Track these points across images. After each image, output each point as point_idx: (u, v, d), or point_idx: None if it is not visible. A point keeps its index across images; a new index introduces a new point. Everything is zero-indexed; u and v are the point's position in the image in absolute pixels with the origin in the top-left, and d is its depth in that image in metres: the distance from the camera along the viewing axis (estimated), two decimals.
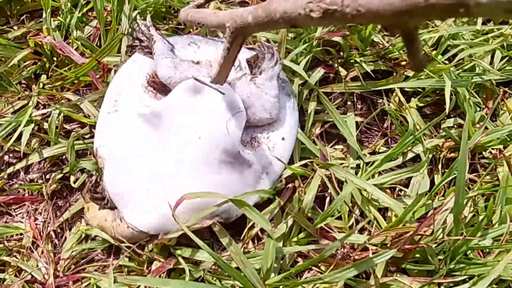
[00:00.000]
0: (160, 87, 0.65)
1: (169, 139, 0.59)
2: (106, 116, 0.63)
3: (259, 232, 0.62)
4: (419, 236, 0.57)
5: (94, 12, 0.77)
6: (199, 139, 0.58)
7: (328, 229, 0.62)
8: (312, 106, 0.68)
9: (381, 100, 0.73)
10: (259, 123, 0.64)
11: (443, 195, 0.64)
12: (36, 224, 0.63)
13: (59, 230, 0.64)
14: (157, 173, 0.58)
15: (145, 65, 0.66)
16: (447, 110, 0.63)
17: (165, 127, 0.59)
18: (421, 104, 0.73)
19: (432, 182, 0.66)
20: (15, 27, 0.78)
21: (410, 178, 0.66)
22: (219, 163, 0.59)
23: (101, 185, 0.61)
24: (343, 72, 0.71)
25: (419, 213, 0.61)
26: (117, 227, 0.59)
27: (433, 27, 0.75)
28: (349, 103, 0.71)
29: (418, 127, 0.67)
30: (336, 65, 0.71)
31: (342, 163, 0.65)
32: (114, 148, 0.61)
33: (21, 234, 0.63)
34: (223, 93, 0.60)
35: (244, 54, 0.67)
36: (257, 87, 0.63)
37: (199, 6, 0.61)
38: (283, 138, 0.64)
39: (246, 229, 0.61)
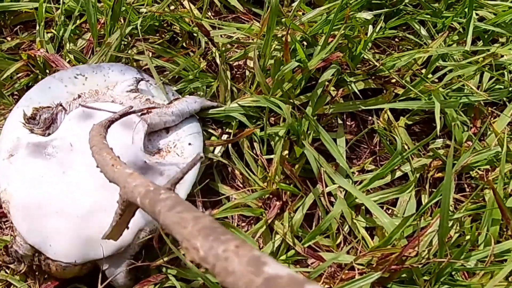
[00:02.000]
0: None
1: (68, 167, 0.59)
2: (2, 163, 0.62)
3: None
4: (405, 257, 0.58)
5: (88, 25, 0.78)
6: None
7: (315, 247, 0.63)
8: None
9: (370, 118, 0.74)
10: (156, 128, 0.66)
11: (431, 215, 0.65)
12: None
13: None
14: (65, 202, 0.58)
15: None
16: (438, 132, 0.64)
17: (61, 156, 0.60)
18: (410, 122, 0.74)
19: (419, 201, 0.67)
20: (8, 38, 0.78)
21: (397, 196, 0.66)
22: None
23: (12, 242, 0.59)
24: (333, 91, 0.71)
25: (406, 232, 0.62)
26: (47, 268, 0.58)
27: (423, 46, 0.76)
28: (339, 121, 0.72)
29: (406, 147, 0.68)
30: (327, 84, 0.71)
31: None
32: (16, 190, 0.59)
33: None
34: (115, 112, 0.60)
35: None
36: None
37: (112, 121, 0.58)
38: (189, 144, 0.66)
39: None
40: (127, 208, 0.46)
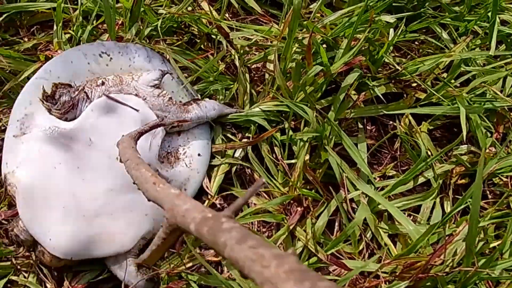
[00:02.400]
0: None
1: (83, 163, 0.57)
2: (13, 139, 0.59)
3: None
4: (430, 265, 0.57)
5: (105, 25, 0.77)
6: (113, 161, 0.57)
7: (337, 254, 0.62)
8: None
9: (391, 122, 0.73)
10: (171, 131, 0.65)
11: (454, 222, 0.64)
12: None
13: None
14: (73, 199, 0.56)
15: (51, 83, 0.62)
16: (464, 138, 0.63)
17: (79, 150, 0.58)
18: (431, 127, 0.72)
19: (441, 208, 0.66)
20: (25, 39, 0.77)
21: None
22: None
23: (13, 226, 0.58)
24: (354, 95, 0.70)
25: (431, 240, 0.61)
26: (41, 256, 0.57)
27: (444, 50, 0.75)
28: (359, 125, 0.70)
29: (429, 152, 0.67)
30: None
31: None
32: (25, 175, 0.57)
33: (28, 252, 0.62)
34: (137, 110, 0.60)
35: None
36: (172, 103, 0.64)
37: (142, 133, 0.55)
38: (199, 154, 0.65)
39: None
40: (172, 233, 0.42)
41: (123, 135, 0.55)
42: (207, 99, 0.68)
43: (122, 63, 0.65)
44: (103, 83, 0.63)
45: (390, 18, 0.68)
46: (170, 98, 0.65)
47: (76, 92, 0.61)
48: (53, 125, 0.59)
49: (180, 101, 0.67)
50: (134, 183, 0.48)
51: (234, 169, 0.66)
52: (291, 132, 0.65)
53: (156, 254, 0.46)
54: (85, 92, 0.61)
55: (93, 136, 0.59)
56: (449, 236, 0.59)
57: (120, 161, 0.51)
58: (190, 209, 0.37)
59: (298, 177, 0.62)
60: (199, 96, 0.69)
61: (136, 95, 0.63)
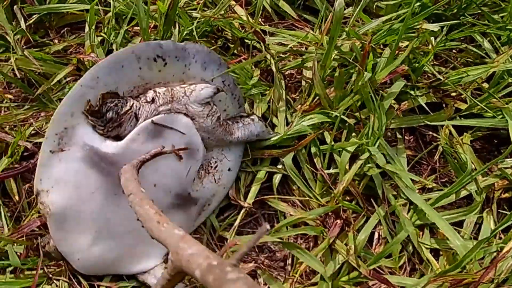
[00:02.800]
0: None
1: (121, 190, 0.51)
2: (50, 155, 0.54)
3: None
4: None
5: (135, 27, 0.75)
6: (154, 187, 0.57)
7: (377, 269, 0.60)
8: None
9: (430, 133, 0.70)
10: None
11: (499, 238, 0.62)
12: None
13: None
14: (105, 224, 0.56)
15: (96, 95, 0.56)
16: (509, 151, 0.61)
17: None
18: (471, 138, 0.70)
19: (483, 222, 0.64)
20: (55, 41, 0.75)
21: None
22: (168, 207, 0.58)
23: (45, 243, 0.59)
24: (394, 104, 0.68)
25: (477, 256, 0.59)
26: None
27: (485, 59, 0.73)
28: (398, 135, 0.68)
29: (473, 165, 0.65)
30: None
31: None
32: (60, 198, 0.55)
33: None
34: (184, 133, 0.58)
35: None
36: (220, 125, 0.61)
37: (144, 161, 0.53)
38: (229, 169, 0.63)
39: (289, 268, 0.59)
40: (177, 274, 0.41)
41: (124, 164, 0.52)
42: (254, 116, 0.64)
43: (176, 71, 0.59)
44: (153, 101, 0.57)
45: (434, 27, 0.66)
46: (219, 118, 0.60)
47: (124, 109, 0.56)
48: (95, 146, 0.55)
49: (227, 114, 0.64)
50: (137, 219, 0.45)
51: (276, 178, 0.64)
52: (335, 143, 0.63)
53: None
54: (133, 111, 0.56)
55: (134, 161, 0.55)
56: (497, 253, 0.57)
57: (123, 192, 0.49)
58: (195, 254, 0.36)
59: (343, 189, 0.60)
60: (245, 113, 0.66)
61: (185, 114, 0.58)
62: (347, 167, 0.62)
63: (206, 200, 0.62)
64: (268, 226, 0.37)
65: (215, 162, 0.63)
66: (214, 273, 0.33)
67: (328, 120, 0.64)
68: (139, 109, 0.56)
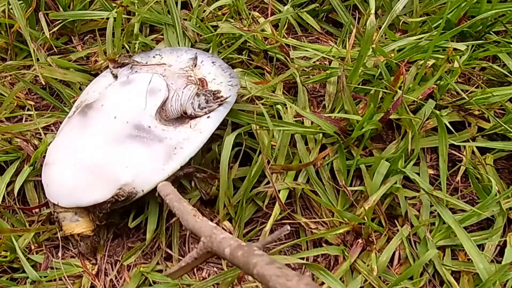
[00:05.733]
0: None
1: (92, 124, 0.62)
2: (65, 120, 0.66)
3: None
4: None
5: (154, 35, 0.75)
6: (115, 119, 0.61)
7: None
8: None
9: (452, 152, 0.70)
10: (172, 115, 0.63)
11: None
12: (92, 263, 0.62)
13: (117, 270, 0.62)
14: (74, 152, 0.60)
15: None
16: None
17: (91, 114, 0.62)
18: (494, 158, 0.70)
19: (504, 243, 0.64)
20: (79, 47, 0.75)
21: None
22: (125, 137, 0.60)
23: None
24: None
25: (501, 279, 0.59)
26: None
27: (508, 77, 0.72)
28: (421, 154, 0.68)
29: (497, 187, 0.64)
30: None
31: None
32: (52, 145, 0.63)
33: (82, 271, 0.61)
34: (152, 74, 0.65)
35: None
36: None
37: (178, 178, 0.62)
38: (208, 116, 0.63)
39: None
40: (203, 255, 0.48)
41: (163, 181, 0.58)
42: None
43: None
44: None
45: (461, 46, 0.65)
46: (202, 80, 0.66)
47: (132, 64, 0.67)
48: (88, 102, 0.64)
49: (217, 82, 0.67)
50: (174, 213, 0.52)
51: (297, 194, 0.64)
52: (361, 158, 0.63)
53: (183, 270, 0.51)
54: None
55: (105, 102, 0.63)
56: None
57: (158, 195, 0.57)
58: (226, 238, 0.45)
59: (370, 209, 0.59)
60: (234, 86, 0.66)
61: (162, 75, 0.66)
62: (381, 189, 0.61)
63: (177, 142, 0.61)
64: (288, 227, 0.45)
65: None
66: (243, 250, 0.41)
67: (353, 136, 0.64)
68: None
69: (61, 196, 0.59)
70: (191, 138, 0.61)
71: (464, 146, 0.68)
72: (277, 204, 0.62)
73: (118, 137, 0.60)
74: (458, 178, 0.68)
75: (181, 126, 0.62)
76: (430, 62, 0.65)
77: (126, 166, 0.59)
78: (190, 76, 0.66)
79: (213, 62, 0.69)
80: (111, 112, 0.62)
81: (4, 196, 0.64)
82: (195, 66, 0.68)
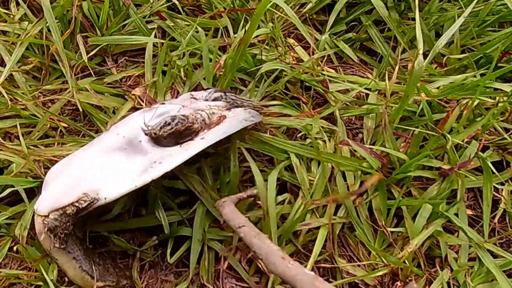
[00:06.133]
0: None
1: (98, 141, 0.61)
2: None
3: None
4: None
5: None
6: (117, 135, 0.60)
7: None
8: None
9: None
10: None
11: None
12: None
13: None
14: (71, 167, 0.59)
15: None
16: None
17: (104, 133, 0.62)
18: None
19: None
20: (113, 70, 0.74)
21: None
22: (114, 149, 0.58)
23: None
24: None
25: None
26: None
27: None
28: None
29: None
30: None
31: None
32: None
33: None
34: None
35: None
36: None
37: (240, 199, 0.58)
38: (202, 138, 0.59)
39: None
40: None
41: (224, 198, 0.56)
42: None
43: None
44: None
45: (507, 87, 0.65)
46: (222, 116, 0.62)
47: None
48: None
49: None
50: (253, 251, 0.47)
51: (335, 232, 0.63)
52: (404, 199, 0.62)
53: None
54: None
55: (116, 125, 0.63)
56: None
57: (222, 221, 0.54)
58: None
59: (411, 253, 0.58)
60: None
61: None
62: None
63: (159, 157, 0.57)
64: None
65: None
66: None
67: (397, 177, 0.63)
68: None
69: (40, 200, 0.56)
70: (174, 155, 0.57)
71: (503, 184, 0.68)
72: (316, 244, 0.61)
73: (108, 149, 0.58)
74: (496, 220, 0.67)
75: (171, 141, 0.60)
76: (475, 103, 0.64)
77: (100, 173, 0.56)
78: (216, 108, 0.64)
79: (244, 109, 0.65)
80: (118, 129, 0.61)
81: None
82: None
